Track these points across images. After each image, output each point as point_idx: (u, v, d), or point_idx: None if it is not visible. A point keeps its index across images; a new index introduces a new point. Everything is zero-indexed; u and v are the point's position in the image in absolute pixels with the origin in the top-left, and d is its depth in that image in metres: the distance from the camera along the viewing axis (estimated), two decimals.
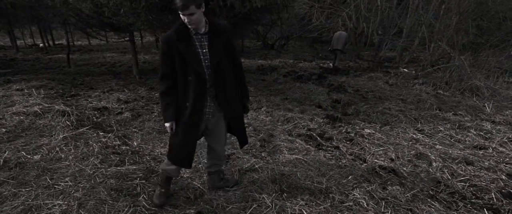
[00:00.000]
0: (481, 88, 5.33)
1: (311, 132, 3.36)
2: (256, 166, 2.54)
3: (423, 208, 2.06)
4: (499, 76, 6.17)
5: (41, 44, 12.64)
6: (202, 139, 2.05)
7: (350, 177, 2.42)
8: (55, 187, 2.17)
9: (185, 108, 1.76)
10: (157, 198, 2.00)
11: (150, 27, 4.49)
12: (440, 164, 2.65)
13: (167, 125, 1.80)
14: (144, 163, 2.60)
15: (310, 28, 10.53)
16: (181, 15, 1.57)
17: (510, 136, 3.34)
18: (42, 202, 1.99)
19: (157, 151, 2.85)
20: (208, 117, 1.85)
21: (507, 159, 2.80)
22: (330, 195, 2.15)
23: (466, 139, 3.31)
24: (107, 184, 2.23)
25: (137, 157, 2.71)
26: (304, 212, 1.96)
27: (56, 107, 3.83)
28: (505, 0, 7.91)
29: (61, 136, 3.01)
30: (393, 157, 2.81)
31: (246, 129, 3.39)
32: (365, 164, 2.69)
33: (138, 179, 2.30)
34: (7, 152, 2.64)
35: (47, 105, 3.90)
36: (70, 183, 2.22)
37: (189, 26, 1.62)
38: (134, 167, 2.48)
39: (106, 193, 2.10)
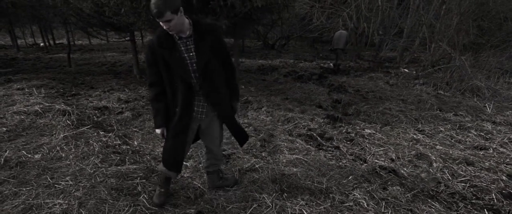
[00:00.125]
0: (482, 89, 5.33)
1: (312, 132, 3.36)
2: (257, 166, 2.54)
3: (423, 208, 2.06)
4: (499, 76, 6.16)
5: (41, 44, 12.65)
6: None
7: (351, 177, 2.42)
8: (55, 186, 2.17)
9: (174, 113, 1.77)
10: (157, 197, 2.00)
11: (150, 27, 4.49)
12: (441, 165, 2.65)
13: (157, 131, 1.81)
14: (145, 162, 2.60)
15: (310, 28, 10.53)
16: (160, 22, 1.51)
17: (510, 137, 3.33)
18: (42, 201, 1.99)
19: (158, 150, 2.85)
20: (201, 117, 1.85)
21: (508, 160, 2.79)
22: (330, 195, 2.15)
23: (467, 139, 3.30)
24: (108, 183, 2.23)
25: (138, 156, 2.71)
26: (304, 212, 1.96)
27: (57, 106, 3.83)
28: (506, 0, 7.90)
29: (61, 135, 3.01)
30: (394, 157, 2.81)
31: (247, 129, 3.39)
32: (366, 164, 2.68)
33: (139, 178, 2.31)
34: (7, 151, 2.65)
35: (47, 104, 3.90)
36: (71, 182, 2.22)
37: (170, 32, 1.57)
38: (135, 167, 2.48)
39: (106, 192, 2.10)
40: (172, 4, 1.44)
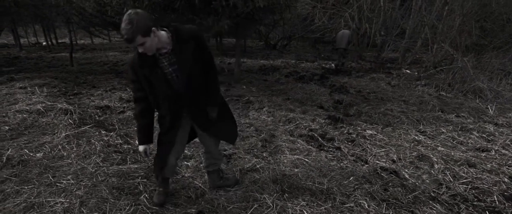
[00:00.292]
0: (484, 90, 5.30)
1: (313, 133, 3.36)
2: (258, 166, 2.54)
3: (424, 210, 2.05)
4: (502, 78, 6.14)
5: (44, 43, 12.70)
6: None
7: (352, 178, 2.42)
8: (57, 185, 2.18)
9: (163, 123, 1.78)
10: (157, 197, 2.01)
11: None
12: (442, 166, 2.64)
13: (140, 148, 1.77)
14: (146, 162, 2.60)
15: (312, 28, 10.52)
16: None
17: None
18: (44, 200, 2.00)
19: None
20: (192, 122, 1.86)
21: (510, 162, 2.78)
22: (331, 196, 2.15)
23: (469, 141, 3.29)
24: (109, 182, 2.24)
25: (139, 156, 2.72)
26: (305, 213, 1.95)
27: (59, 105, 3.84)
28: (509, 1, 7.86)
29: (63, 134, 3.03)
30: (395, 159, 2.80)
31: (248, 129, 3.40)
32: (367, 165, 2.68)
33: (140, 177, 2.31)
34: (10, 150, 2.66)
35: (49, 103, 3.92)
36: (72, 181, 2.23)
37: (148, 54, 1.51)
38: (136, 166, 2.49)
39: (107, 191, 2.11)
40: (141, 28, 1.36)
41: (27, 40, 14.16)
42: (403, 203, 2.11)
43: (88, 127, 3.27)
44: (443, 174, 2.53)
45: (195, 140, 2.09)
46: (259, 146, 2.98)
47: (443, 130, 3.57)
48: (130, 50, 11.08)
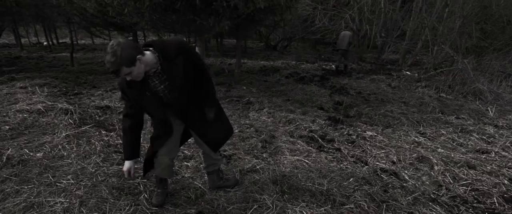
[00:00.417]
0: (484, 92, 5.31)
1: (313, 134, 3.36)
2: (257, 167, 2.54)
3: (424, 211, 2.05)
4: (502, 80, 6.14)
5: (45, 43, 12.72)
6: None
7: (351, 179, 2.42)
8: (57, 185, 2.18)
9: (156, 128, 1.82)
10: (155, 198, 2.01)
11: (153, 27, 4.51)
12: (442, 168, 2.64)
13: (126, 165, 1.74)
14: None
15: (313, 29, 10.54)
16: None
17: None
18: (44, 200, 2.00)
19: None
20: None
21: (510, 164, 2.78)
22: (331, 197, 2.15)
23: (469, 142, 3.29)
24: (109, 182, 2.24)
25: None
26: None
27: (59, 105, 3.85)
28: (510, 4, 7.87)
29: (63, 134, 3.03)
30: (395, 160, 2.80)
31: (248, 130, 3.40)
32: (367, 167, 2.68)
33: (140, 178, 2.31)
34: (10, 149, 2.66)
35: (50, 103, 3.92)
36: (72, 181, 2.23)
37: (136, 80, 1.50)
38: (136, 166, 2.48)
39: (107, 191, 2.11)
40: (125, 59, 1.35)
41: (28, 40, 14.18)
42: (402, 204, 2.11)
43: (88, 127, 3.28)
44: (443, 176, 2.53)
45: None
46: (259, 146, 2.98)
47: (443, 132, 3.57)
48: None
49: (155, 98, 1.62)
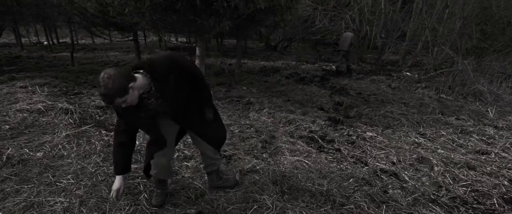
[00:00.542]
0: (484, 93, 5.31)
1: (313, 134, 3.36)
2: (257, 167, 2.54)
3: (424, 212, 2.05)
4: (502, 81, 6.14)
5: (45, 42, 12.72)
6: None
7: (351, 180, 2.42)
8: (57, 185, 2.18)
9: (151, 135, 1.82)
10: (155, 199, 2.01)
11: (154, 27, 4.51)
12: (442, 169, 2.64)
13: (116, 183, 1.71)
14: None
15: (313, 30, 10.54)
16: None
17: None
18: (44, 199, 2.00)
19: None
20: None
21: (510, 165, 2.78)
22: (331, 197, 2.15)
23: (469, 143, 3.29)
24: (109, 182, 2.24)
25: (139, 156, 2.72)
26: None
27: (59, 104, 3.85)
28: (510, 5, 7.88)
29: (63, 134, 3.03)
30: (395, 161, 2.80)
31: (248, 130, 3.40)
32: (367, 167, 2.68)
33: (140, 177, 2.31)
34: (10, 149, 2.66)
35: (50, 103, 3.92)
36: (72, 181, 2.23)
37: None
38: (136, 166, 2.48)
39: (107, 191, 2.11)
40: (117, 90, 1.36)
41: (28, 40, 14.18)
42: (402, 205, 2.11)
43: (89, 127, 3.28)
44: (442, 177, 2.53)
45: None
46: (259, 147, 2.98)
47: (443, 133, 3.57)
48: (131, 51, 11.10)
49: (150, 118, 1.64)
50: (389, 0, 8.98)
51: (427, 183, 2.45)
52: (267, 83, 6.18)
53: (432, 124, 3.91)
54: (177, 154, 2.76)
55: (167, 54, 1.61)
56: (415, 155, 2.90)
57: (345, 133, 3.48)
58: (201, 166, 2.53)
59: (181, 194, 2.15)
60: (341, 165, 2.69)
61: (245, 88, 5.55)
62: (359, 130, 3.58)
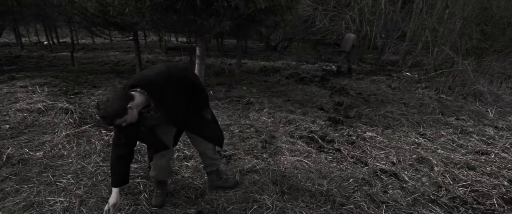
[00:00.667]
0: (484, 94, 5.31)
1: (313, 134, 3.36)
2: (257, 167, 2.54)
3: (424, 212, 2.05)
4: (502, 81, 6.14)
5: (45, 42, 12.72)
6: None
7: (351, 180, 2.42)
8: (57, 184, 2.18)
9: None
10: (154, 200, 2.01)
11: (154, 27, 4.51)
12: (442, 169, 2.64)
13: (113, 196, 1.70)
14: (146, 161, 2.60)
15: (313, 30, 10.53)
16: None
17: None
18: (44, 199, 2.00)
19: None
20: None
21: (510, 165, 2.78)
22: (331, 197, 2.15)
23: (469, 144, 3.29)
24: (109, 182, 2.23)
25: (139, 155, 2.72)
26: None
27: (59, 104, 3.85)
28: (510, 5, 7.88)
29: (63, 133, 3.03)
30: (395, 161, 2.80)
31: (248, 130, 3.40)
32: (366, 167, 2.68)
33: (140, 177, 2.31)
34: (10, 148, 2.66)
35: (50, 102, 3.92)
36: (72, 180, 2.23)
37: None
38: (136, 166, 2.49)
39: (107, 191, 2.11)
40: (116, 113, 1.38)
41: (28, 39, 14.18)
42: (402, 205, 2.11)
43: (89, 126, 3.28)
44: (442, 177, 2.53)
45: None
46: (259, 147, 2.98)
47: (443, 133, 3.57)
48: (131, 51, 11.10)
49: (149, 132, 1.66)
50: (389, 0, 8.98)
51: (427, 183, 2.45)
52: (267, 83, 6.18)
53: (432, 124, 3.91)
54: (177, 153, 2.76)
55: (163, 69, 1.56)
56: (415, 155, 2.90)
57: (345, 133, 3.48)
58: (201, 166, 2.53)
59: (181, 194, 2.15)
60: (341, 165, 2.69)
61: (245, 88, 5.55)
62: (359, 130, 3.58)
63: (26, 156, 2.56)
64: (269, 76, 7.09)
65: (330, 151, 3.01)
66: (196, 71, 4.93)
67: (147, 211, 1.94)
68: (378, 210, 2.04)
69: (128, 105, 1.41)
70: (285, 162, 2.68)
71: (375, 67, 8.94)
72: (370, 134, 3.44)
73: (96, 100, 1.42)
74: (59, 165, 2.46)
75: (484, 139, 3.44)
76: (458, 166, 2.71)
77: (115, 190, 1.72)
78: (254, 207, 2.01)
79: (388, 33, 9.53)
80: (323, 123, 3.78)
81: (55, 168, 2.41)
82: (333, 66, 8.68)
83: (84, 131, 3.16)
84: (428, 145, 3.21)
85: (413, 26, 8.85)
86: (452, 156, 2.91)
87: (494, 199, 2.23)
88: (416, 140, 3.33)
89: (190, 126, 1.87)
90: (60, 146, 2.78)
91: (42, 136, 2.99)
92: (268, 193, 2.17)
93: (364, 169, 2.64)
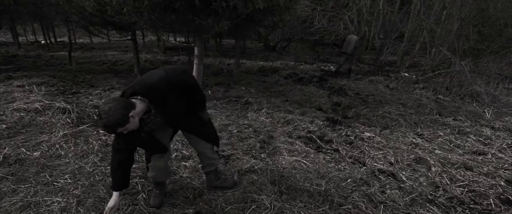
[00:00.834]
0: (481, 94, 5.34)
1: (311, 134, 3.37)
2: (256, 167, 2.54)
3: (421, 212, 2.06)
4: (499, 82, 6.19)
5: (43, 41, 12.64)
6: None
7: (349, 180, 2.43)
8: (54, 184, 2.17)
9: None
10: (153, 200, 2.01)
11: (152, 27, 4.49)
12: (439, 169, 2.65)
13: (112, 201, 1.68)
14: (144, 161, 2.59)
15: (312, 30, 10.54)
16: None
17: (509, 142, 3.34)
18: (41, 199, 1.99)
19: None
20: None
21: (506, 165, 2.80)
22: (329, 197, 2.16)
23: (466, 144, 3.31)
24: (107, 182, 2.23)
25: (137, 155, 2.71)
26: None
27: (57, 104, 3.83)
28: (507, 7, 7.94)
29: (61, 133, 3.01)
30: (393, 161, 2.81)
31: (246, 130, 3.40)
32: (364, 167, 2.69)
33: (138, 177, 2.31)
34: (7, 148, 2.64)
35: (47, 102, 3.90)
36: (70, 180, 2.22)
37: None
38: (134, 166, 2.47)
39: (105, 191, 2.10)
40: (118, 121, 1.37)
41: (25, 39, 14.09)
42: (400, 205, 2.12)
43: (86, 126, 3.26)
44: (440, 177, 2.54)
45: None
46: (257, 147, 2.98)
47: (441, 133, 3.59)
48: (129, 50, 11.06)
49: (149, 138, 1.66)
50: (387, 1, 9.02)
51: (424, 183, 2.46)
52: (266, 84, 6.18)
53: (430, 124, 3.93)
54: (175, 154, 2.76)
55: (162, 75, 1.55)
56: (413, 156, 2.91)
57: (343, 133, 3.49)
58: (199, 166, 2.53)
59: (179, 194, 2.14)
60: (339, 165, 2.70)
61: (243, 88, 5.55)
62: (357, 130, 3.59)
63: (23, 156, 2.55)
64: (267, 76, 7.09)
65: (328, 151, 3.02)
66: (194, 71, 4.92)
67: (145, 211, 1.94)
68: (376, 210, 2.05)
69: (130, 114, 1.41)
70: (283, 162, 2.68)
71: (373, 68, 8.97)
72: (368, 134, 3.45)
73: (97, 107, 1.41)
74: (57, 165, 2.44)
75: (481, 139, 3.46)
76: (455, 166, 2.73)
77: (115, 193, 1.71)
78: (253, 207, 2.01)
79: (386, 34, 9.57)
80: (321, 123, 3.79)
81: (52, 168, 2.39)
82: (332, 67, 8.70)
83: (82, 131, 3.15)
84: (426, 145, 3.22)
85: (411, 27, 8.90)
86: (450, 156, 2.93)
87: (491, 199, 2.25)
88: (413, 140, 3.35)
89: (190, 126, 1.88)
90: (57, 146, 2.76)
91: (39, 136, 2.98)
92: (266, 193, 2.17)
93: (362, 169, 2.64)
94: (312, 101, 4.85)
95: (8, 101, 3.96)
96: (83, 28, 6.84)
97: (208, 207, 2.00)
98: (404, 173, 2.61)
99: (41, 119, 3.41)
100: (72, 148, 2.75)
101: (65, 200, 1.99)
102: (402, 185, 2.40)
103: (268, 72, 7.52)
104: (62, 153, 2.66)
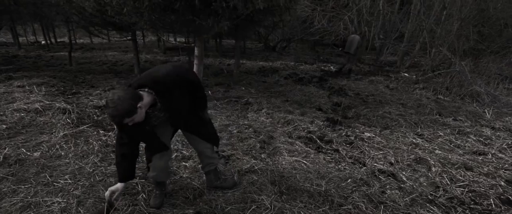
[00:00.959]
0: (481, 94, 5.34)
1: (311, 135, 3.37)
2: (256, 168, 2.54)
3: (421, 212, 2.06)
4: (499, 82, 6.19)
5: (43, 42, 12.65)
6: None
7: (349, 180, 2.43)
8: (54, 185, 2.17)
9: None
10: (153, 200, 2.01)
11: (152, 27, 4.50)
12: (439, 169, 2.65)
13: (116, 186, 1.71)
14: (144, 162, 2.59)
15: (311, 31, 10.55)
16: None
17: (509, 142, 3.34)
18: (41, 199, 1.99)
19: None
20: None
21: (506, 165, 2.80)
22: (329, 198, 2.16)
23: (466, 144, 3.31)
24: (107, 182, 2.23)
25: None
26: None
27: (57, 104, 3.83)
28: (507, 7, 7.94)
29: (61, 134, 3.01)
30: (393, 161, 2.81)
31: (247, 130, 3.40)
32: (365, 168, 2.69)
33: (138, 178, 2.31)
34: (7, 149, 2.65)
35: (48, 102, 3.91)
36: (70, 181, 2.22)
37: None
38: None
39: (105, 191, 2.10)
40: (126, 111, 1.36)
41: (26, 39, 14.09)
42: (400, 205, 2.12)
43: (86, 127, 3.26)
44: (440, 177, 2.54)
45: None
46: (257, 147, 2.98)
47: (441, 133, 3.59)
48: (130, 50, 11.07)
49: (152, 132, 1.67)
50: (387, 1, 9.03)
51: (424, 183, 2.46)
52: (266, 84, 6.18)
53: (430, 124, 3.93)
54: (175, 154, 2.76)
55: (170, 70, 1.58)
56: (413, 156, 2.91)
57: (343, 134, 3.49)
58: (199, 166, 2.53)
59: (179, 194, 2.14)
60: (339, 166, 2.70)
61: (243, 88, 5.55)
62: (357, 131, 3.59)
63: (23, 156, 2.55)
64: (267, 76, 7.09)
65: (329, 151, 3.02)
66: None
67: (145, 211, 1.94)
68: (376, 210, 2.05)
69: (138, 104, 1.41)
70: (283, 162, 2.68)
71: (373, 68, 8.97)
72: (368, 135, 3.45)
73: (105, 98, 1.40)
74: (57, 166, 2.44)
75: (481, 139, 3.46)
76: (455, 166, 2.73)
77: (120, 184, 1.73)
78: (253, 207, 2.01)
79: (386, 34, 9.57)
80: (322, 123, 3.79)
81: (52, 169, 2.39)
82: (332, 67, 8.70)
83: (82, 131, 3.15)
84: (426, 145, 3.22)
85: (411, 27, 8.90)
86: (450, 157, 2.93)
87: (491, 199, 2.24)
88: (414, 140, 3.35)
89: (191, 126, 1.89)
90: (57, 146, 2.76)
91: (39, 136, 2.98)
92: (266, 193, 2.17)
93: (362, 170, 2.64)
94: (312, 101, 4.85)
95: (8, 101, 3.97)
96: (83, 29, 6.85)
97: (208, 207, 2.00)
98: (404, 173, 2.61)
99: (41, 119, 3.41)
100: (72, 148, 2.75)
101: (65, 200, 1.99)
102: (402, 185, 2.40)
103: (268, 73, 7.52)
104: (62, 153, 2.66)
